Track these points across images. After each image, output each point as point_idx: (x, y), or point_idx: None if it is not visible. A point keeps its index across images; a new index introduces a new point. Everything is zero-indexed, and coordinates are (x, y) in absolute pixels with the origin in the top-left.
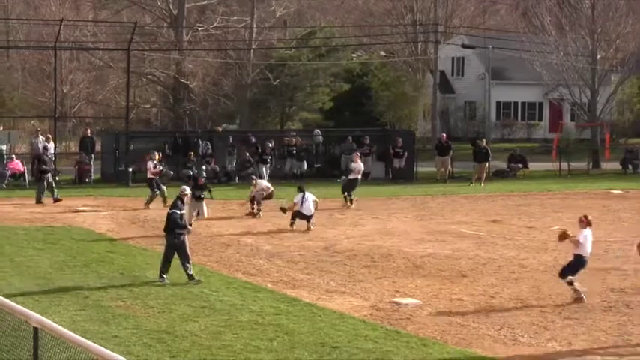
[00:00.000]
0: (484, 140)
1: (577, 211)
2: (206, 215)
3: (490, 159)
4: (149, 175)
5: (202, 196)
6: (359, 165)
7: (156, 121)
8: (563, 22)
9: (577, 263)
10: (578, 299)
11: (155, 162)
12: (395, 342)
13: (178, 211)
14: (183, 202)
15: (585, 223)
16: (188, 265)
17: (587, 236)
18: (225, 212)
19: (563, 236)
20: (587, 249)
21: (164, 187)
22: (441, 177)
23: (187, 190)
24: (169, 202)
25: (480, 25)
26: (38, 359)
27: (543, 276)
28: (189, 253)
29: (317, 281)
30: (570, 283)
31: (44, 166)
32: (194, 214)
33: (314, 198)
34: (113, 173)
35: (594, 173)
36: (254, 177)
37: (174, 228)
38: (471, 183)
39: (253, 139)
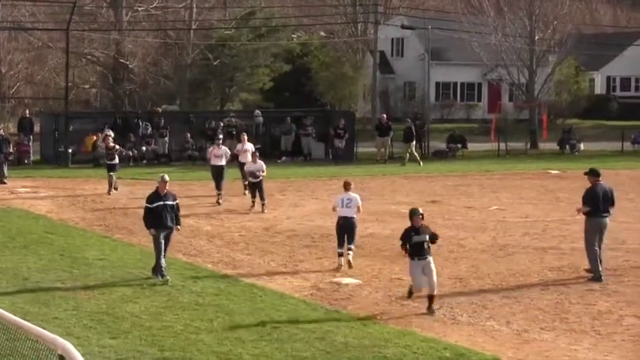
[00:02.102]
0: (408, 120)
1: (515, 192)
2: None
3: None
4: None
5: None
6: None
7: (95, 102)
8: (501, 3)
9: None
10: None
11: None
12: (335, 322)
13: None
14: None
15: None
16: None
17: None
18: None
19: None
20: None
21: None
22: (381, 157)
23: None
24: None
25: (420, 6)
26: None
27: (482, 255)
28: None
29: (257, 262)
30: None
31: None
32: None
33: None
34: (52, 154)
35: (532, 153)
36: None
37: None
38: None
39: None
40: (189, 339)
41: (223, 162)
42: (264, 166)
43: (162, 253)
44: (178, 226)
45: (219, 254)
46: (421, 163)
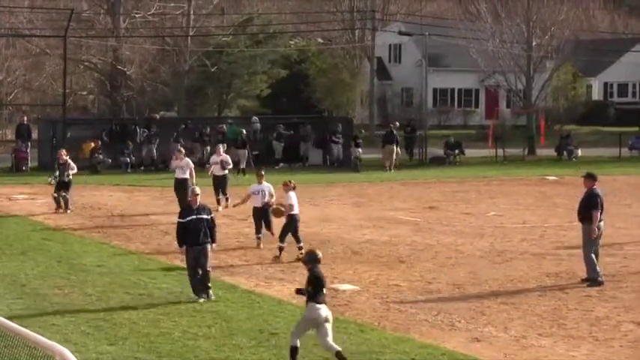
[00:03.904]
0: (397, 124)
1: (512, 198)
2: None
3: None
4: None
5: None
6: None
7: (93, 109)
8: (499, 10)
9: None
10: None
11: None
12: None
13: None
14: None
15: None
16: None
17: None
18: (164, 199)
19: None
20: None
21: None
22: (389, 165)
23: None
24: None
25: (417, 12)
26: None
27: (480, 261)
28: None
29: (255, 268)
30: None
31: None
32: None
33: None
34: (50, 161)
35: (530, 159)
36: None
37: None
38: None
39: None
40: (187, 345)
41: (186, 175)
42: (271, 189)
43: (197, 271)
44: (214, 244)
45: (217, 260)
46: (392, 170)
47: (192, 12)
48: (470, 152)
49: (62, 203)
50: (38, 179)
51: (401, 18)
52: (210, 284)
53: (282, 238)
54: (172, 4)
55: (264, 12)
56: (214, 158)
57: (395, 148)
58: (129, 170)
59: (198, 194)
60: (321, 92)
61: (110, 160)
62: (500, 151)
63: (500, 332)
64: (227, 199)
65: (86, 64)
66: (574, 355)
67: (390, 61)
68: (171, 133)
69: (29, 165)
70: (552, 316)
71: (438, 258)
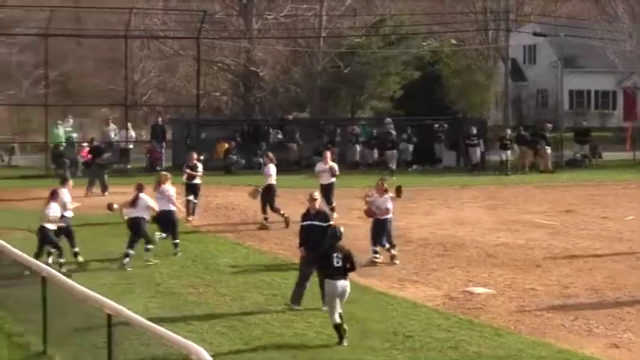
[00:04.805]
0: (549, 126)
1: None
2: None
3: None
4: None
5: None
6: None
7: (226, 109)
8: (636, 10)
9: None
10: None
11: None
12: (468, 331)
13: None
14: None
15: None
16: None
17: None
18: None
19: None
20: None
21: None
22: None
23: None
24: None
25: (552, 13)
26: (112, 346)
27: (618, 266)
28: None
29: (389, 270)
30: None
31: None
32: None
33: None
34: (184, 161)
35: None
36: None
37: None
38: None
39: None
40: (319, 347)
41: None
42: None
43: (307, 278)
44: None
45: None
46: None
47: (324, 13)
48: (607, 155)
49: (191, 210)
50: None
51: (535, 19)
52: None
53: (381, 242)
54: (305, 6)
55: (396, 13)
56: (321, 166)
57: (543, 149)
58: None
59: (316, 199)
60: (454, 94)
61: (244, 161)
62: (638, 154)
63: None
64: (333, 209)
65: (219, 65)
66: None
67: (524, 62)
68: (307, 134)
69: (163, 165)
70: None
71: (575, 262)
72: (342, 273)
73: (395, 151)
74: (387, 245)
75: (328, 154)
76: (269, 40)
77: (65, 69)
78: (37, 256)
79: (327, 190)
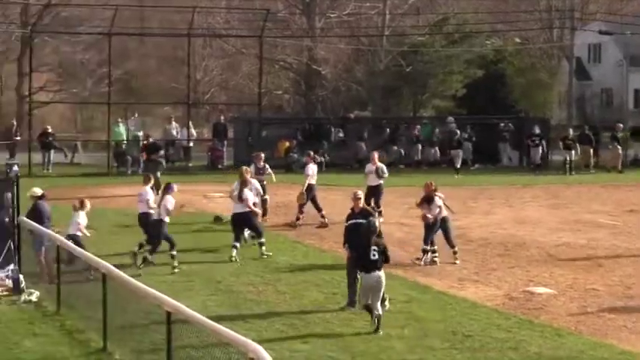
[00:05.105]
0: (621, 125)
1: None
2: None
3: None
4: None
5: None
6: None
7: (288, 108)
8: None
9: None
10: None
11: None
12: (528, 331)
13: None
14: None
15: None
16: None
17: None
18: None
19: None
20: None
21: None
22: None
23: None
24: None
25: (618, 11)
26: (171, 343)
27: None
28: None
29: (449, 269)
30: None
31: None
32: None
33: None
34: (245, 159)
35: None
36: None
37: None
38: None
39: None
40: (380, 346)
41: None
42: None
43: (355, 279)
44: None
45: (411, 261)
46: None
47: (387, 12)
48: None
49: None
50: (233, 178)
51: (600, 17)
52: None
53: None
54: (368, 4)
55: (460, 12)
56: (369, 167)
57: (615, 149)
58: (323, 169)
59: (359, 198)
60: (517, 92)
61: (304, 160)
62: None
63: None
64: (380, 213)
65: (281, 63)
66: None
67: (589, 60)
68: (369, 133)
69: (225, 163)
70: None
71: (638, 262)
72: (377, 266)
73: (460, 150)
74: (429, 246)
75: (376, 154)
76: (331, 38)
77: (128, 67)
78: (153, 250)
79: (374, 192)
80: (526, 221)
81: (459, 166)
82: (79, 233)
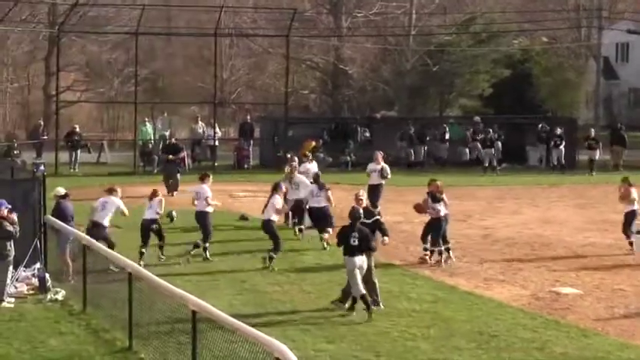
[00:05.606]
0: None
1: None
2: None
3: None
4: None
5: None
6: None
7: (314, 107)
8: None
9: None
10: None
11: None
12: (554, 332)
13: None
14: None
15: None
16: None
17: None
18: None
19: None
20: None
21: None
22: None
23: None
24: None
25: None
26: (196, 342)
27: None
28: None
29: (475, 269)
30: None
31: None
32: None
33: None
34: (271, 159)
35: None
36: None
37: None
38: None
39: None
40: (405, 346)
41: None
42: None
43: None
44: (386, 237)
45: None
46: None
47: (414, 11)
48: None
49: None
50: (259, 177)
51: (629, 16)
52: (376, 296)
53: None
54: (394, 4)
55: (487, 11)
56: (372, 166)
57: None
58: (349, 169)
59: (361, 199)
60: (544, 92)
61: (331, 159)
62: None
63: None
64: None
65: (308, 63)
66: None
67: (617, 60)
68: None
69: (251, 163)
70: None
71: None
72: (359, 250)
73: (492, 149)
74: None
75: (379, 155)
76: (358, 38)
77: (155, 67)
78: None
79: (374, 191)
80: (552, 221)
81: (494, 163)
82: (209, 209)
